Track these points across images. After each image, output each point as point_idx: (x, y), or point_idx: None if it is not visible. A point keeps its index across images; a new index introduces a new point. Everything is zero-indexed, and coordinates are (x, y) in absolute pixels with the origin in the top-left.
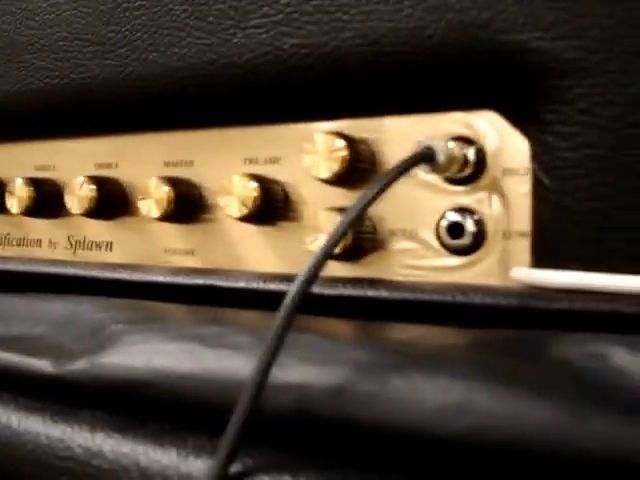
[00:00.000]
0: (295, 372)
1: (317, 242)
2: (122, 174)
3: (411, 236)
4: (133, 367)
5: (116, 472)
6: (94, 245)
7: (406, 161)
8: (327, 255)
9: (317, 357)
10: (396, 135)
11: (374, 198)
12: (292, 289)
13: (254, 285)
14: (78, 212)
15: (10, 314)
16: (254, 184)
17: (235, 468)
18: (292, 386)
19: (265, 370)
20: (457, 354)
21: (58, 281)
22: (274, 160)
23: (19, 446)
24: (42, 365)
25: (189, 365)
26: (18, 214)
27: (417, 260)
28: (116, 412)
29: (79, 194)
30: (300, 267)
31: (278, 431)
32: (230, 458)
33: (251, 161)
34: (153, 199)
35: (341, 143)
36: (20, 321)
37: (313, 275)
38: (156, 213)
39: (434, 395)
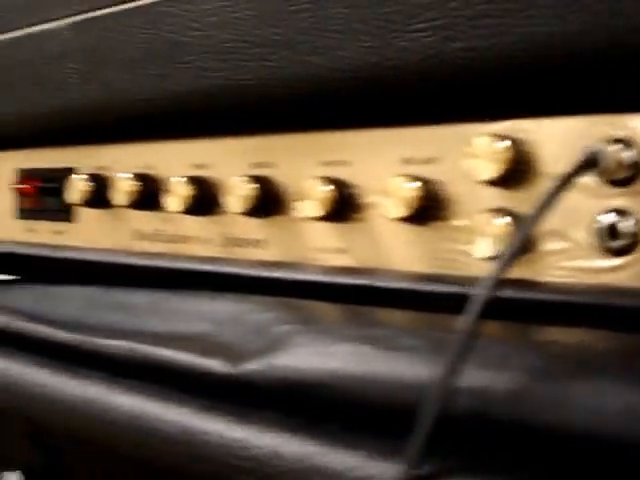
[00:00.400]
0: (471, 376)
1: (477, 244)
2: (278, 173)
3: (565, 237)
4: (306, 369)
5: (297, 472)
6: (247, 243)
7: (575, 168)
8: (511, 261)
9: (492, 361)
10: (553, 136)
11: (551, 204)
12: (478, 294)
13: (408, 285)
14: (235, 210)
15: (170, 311)
16: (412, 184)
17: (421, 470)
18: (470, 390)
19: (453, 374)
20: (628, 359)
21: (212, 278)
22: (430, 160)
23: (195, 444)
24: (214, 365)
25: (361, 367)
26: (174, 212)
27: (570, 261)
28: (291, 413)
29: (237, 193)
30: (451, 268)
31: (457, 434)
32: (418, 460)
33: (407, 161)
34: (309, 199)
35: (503, 144)
36: (182, 318)
37: (498, 280)
38: (312, 212)
39: (617, 400)
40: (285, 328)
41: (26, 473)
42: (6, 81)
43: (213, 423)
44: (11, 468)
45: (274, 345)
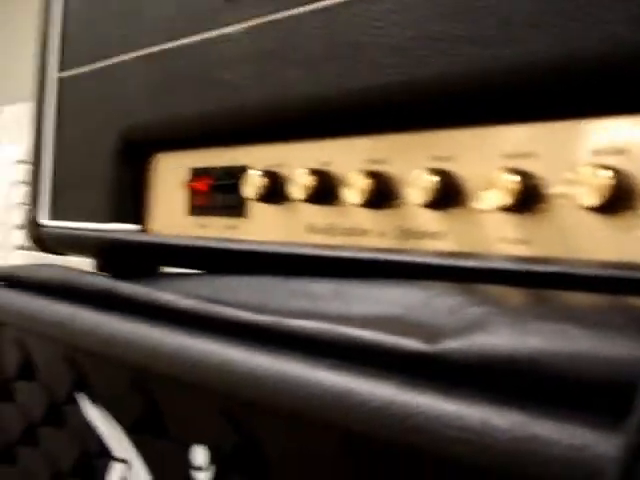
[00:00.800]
0: None
1: None
2: (458, 166)
3: None
4: (508, 347)
5: (508, 441)
6: (424, 235)
7: None
8: None
9: None
10: None
11: None
12: None
13: (596, 272)
14: (414, 203)
15: (355, 297)
16: (605, 173)
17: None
18: None
19: None
20: None
21: (390, 268)
22: (620, 151)
23: (405, 417)
24: (410, 344)
25: (566, 345)
26: (351, 205)
27: None
28: (495, 388)
29: (417, 185)
30: None
31: None
32: (637, 432)
33: (596, 152)
34: (495, 190)
35: None
36: (368, 303)
37: None
38: (496, 203)
39: None
40: (479, 309)
41: (214, 450)
42: (180, 85)
43: (420, 397)
44: (200, 444)
45: (471, 325)
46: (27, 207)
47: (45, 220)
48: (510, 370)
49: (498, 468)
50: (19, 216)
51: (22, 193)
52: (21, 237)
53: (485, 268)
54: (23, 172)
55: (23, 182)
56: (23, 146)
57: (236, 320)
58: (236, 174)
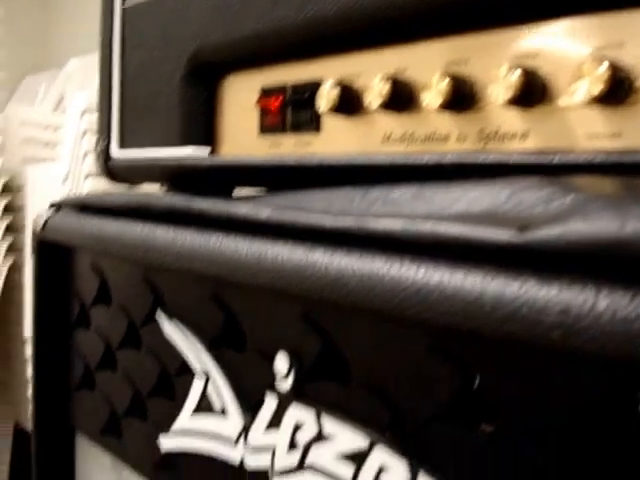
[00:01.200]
0: None
1: None
2: (542, 62)
3: None
4: (605, 232)
5: (607, 324)
6: (507, 136)
7: None
8: None
9: None
10: None
11: None
12: None
13: None
14: (499, 102)
15: (439, 198)
16: None
17: None
18: None
19: None
20: None
21: (473, 170)
22: None
23: (499, 305)
24: (500, 235)
25: None
26: (430, 110)
27: None
28: (592, 272)
29: (501, 83)
30: None
31: None
32: None
33: None
34: (584, 81)
35: None
36: (453, 202)
37: None
38: (587, 95)
39: None
40: (570, 198)
41: (295, 357)
42: (247, 1)
43: (515, 283)
44: (280, 352)
45: (566, 212)
46: (97, 139)
47: (116, 151)
48: (612, 254)
49: (602, 351)
50: (88, 165)
51: (89, 142)
52: (90, 185)
53: (575, 163)
54: (90, 122)
55: (90, 131)
56: (89, 96)
57: (318, 225)
58: (308, 89)
